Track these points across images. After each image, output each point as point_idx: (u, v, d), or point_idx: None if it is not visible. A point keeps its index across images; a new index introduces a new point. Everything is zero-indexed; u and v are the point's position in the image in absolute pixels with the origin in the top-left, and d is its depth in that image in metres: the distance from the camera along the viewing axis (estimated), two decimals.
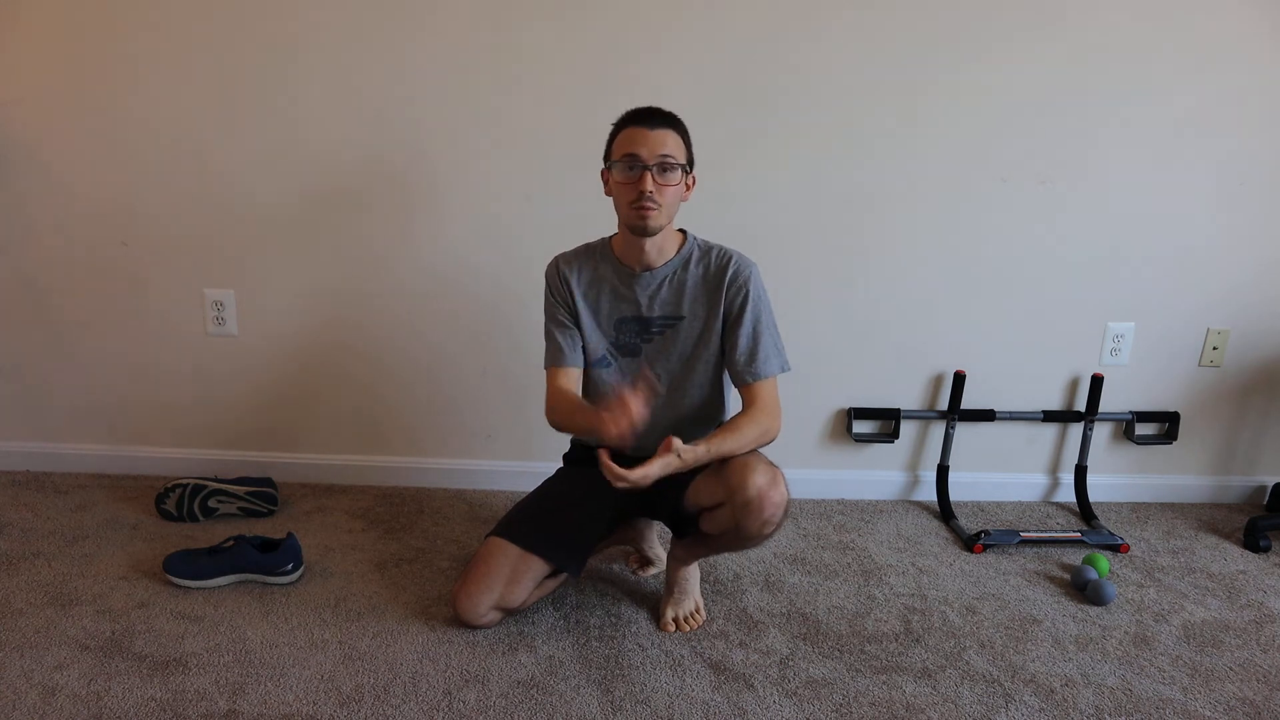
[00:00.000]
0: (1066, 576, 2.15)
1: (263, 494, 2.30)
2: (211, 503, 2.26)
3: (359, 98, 2.21)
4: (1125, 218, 2.35)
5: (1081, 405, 2.51)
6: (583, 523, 1.88)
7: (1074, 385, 2.50)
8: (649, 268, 1.82)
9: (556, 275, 1.87)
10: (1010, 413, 2.48)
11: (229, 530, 2.20)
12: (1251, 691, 1.75)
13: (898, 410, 2.47)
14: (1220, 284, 2.42)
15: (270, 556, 1.97)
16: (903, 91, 2.24)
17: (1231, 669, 1.82)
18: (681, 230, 1.87)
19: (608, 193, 1.81)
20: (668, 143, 1.71)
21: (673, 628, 1.88)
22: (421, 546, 2.18)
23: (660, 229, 1.76)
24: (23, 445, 2.48)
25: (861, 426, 2.50)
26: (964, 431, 2.50)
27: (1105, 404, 2.49)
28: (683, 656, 1.80)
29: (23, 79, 2.21)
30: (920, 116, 2.26)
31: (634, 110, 1.76)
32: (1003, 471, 2.56)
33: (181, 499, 2.24)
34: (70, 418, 2.46)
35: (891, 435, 2.47)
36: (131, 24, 2.16)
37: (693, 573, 1.93)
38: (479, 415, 2.46)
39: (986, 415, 2.46)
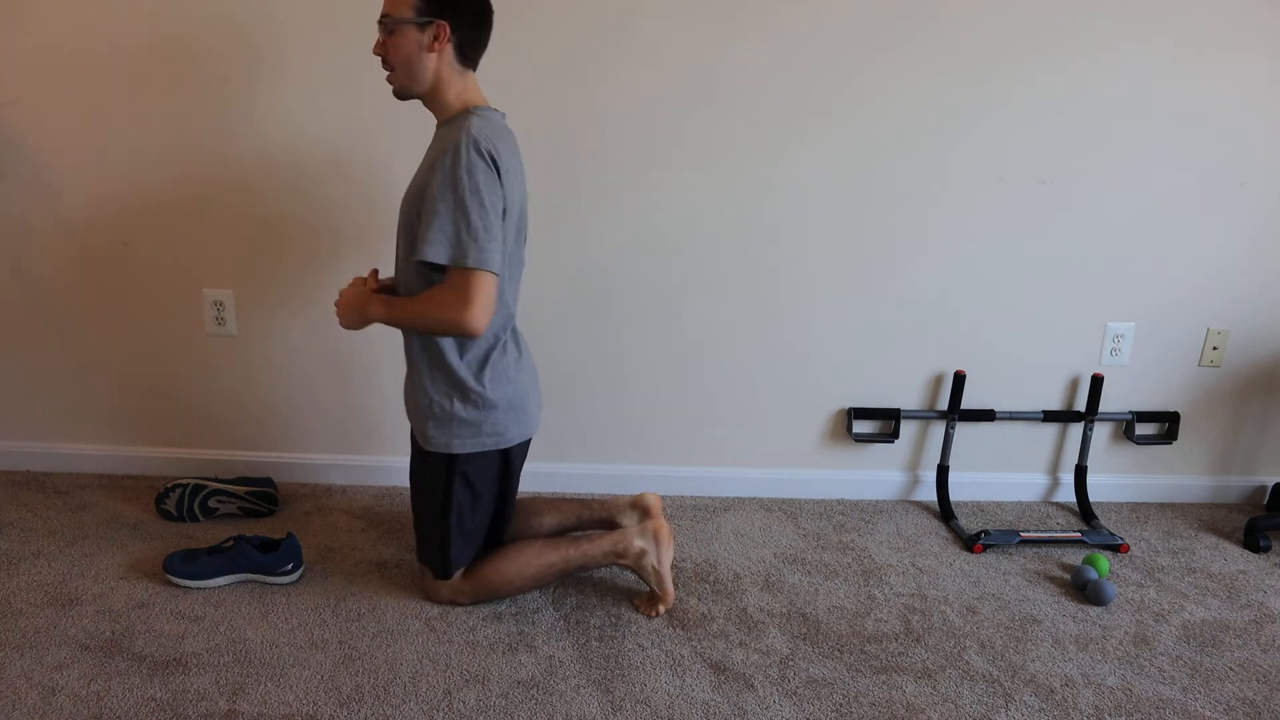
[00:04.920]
0: (1066, 576, 2.15)
1: (263, 494, 2.30)
2: (211, 503, 2.26)
3: (359, 97, 2.21)
4: (1125, 217, 2.35)
5: (1081, 405, 2.51)
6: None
7: (1074, 385, 2.50)
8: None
9: None
10: (1010, 413, 2.48)
11: (229, 530, 2.20)
12: (1251, 691, 1.75)
13: (898, 410, 2.47)
14: (1220, 284, 2.42)
15: (270, 556, 1.97)
16: (903, 92, 2.24)
17: (1231, 669, 1.82)
18: (472, 109, 1.71)
19: None
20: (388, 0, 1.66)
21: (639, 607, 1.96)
22: None
23: (407, 93, 1.72)
24: (23, 445, 2.48)
25: (861, 426, 2.50)
26: (964, 431, 2.51)
27: (1105, 404, 2.49)
28: (683, 656, 1.80)
29: (23, 79, 2.21)
30: (920, 117, 2.25)
31: None
32: (1003, 471, 2.56)
33: (181, 499, 2.24)
34: (70, 418, 2.46)
35: (891, 435, 2.47)
36: (131, 24, 2.16)
37: (645, 563, 1.93)
38: None
39: (986, 415, 2.46)
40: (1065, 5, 2.18)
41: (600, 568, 2.00)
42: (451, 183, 1.60)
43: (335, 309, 1.81)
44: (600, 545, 1.93)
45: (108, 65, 2.19)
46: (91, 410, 2.46)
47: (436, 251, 1.61)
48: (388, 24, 1.67)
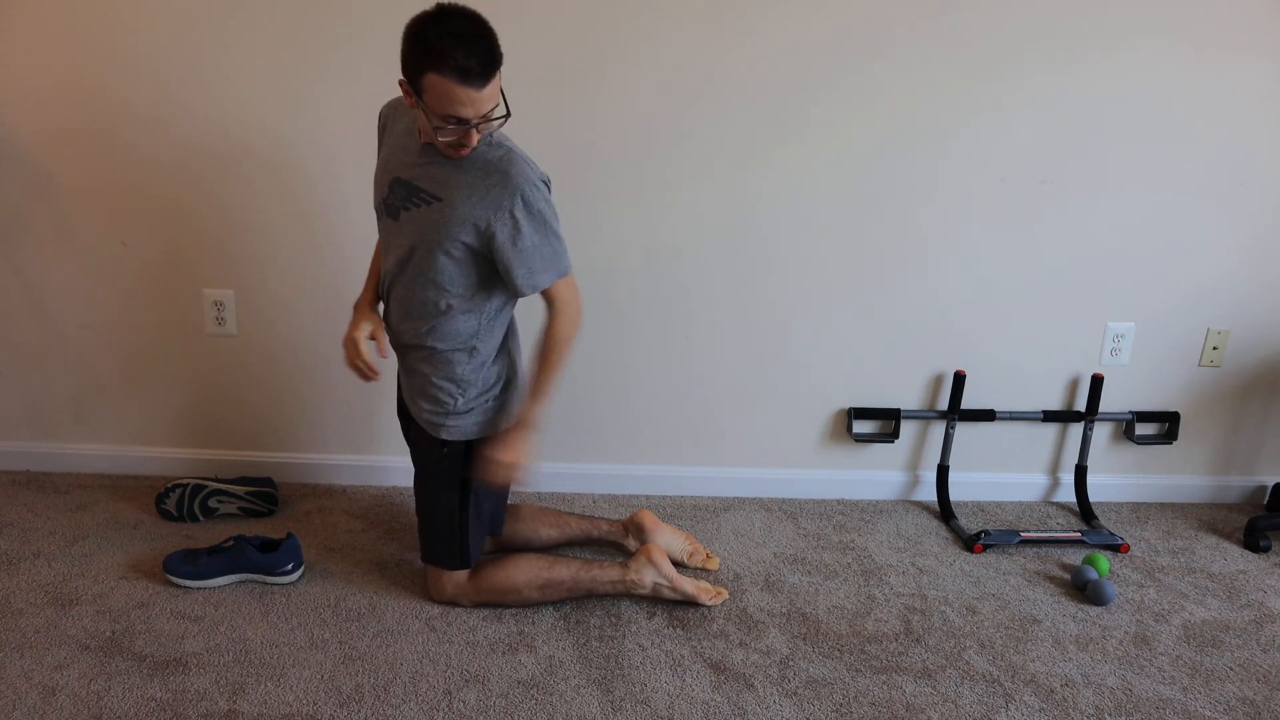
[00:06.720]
0: (1066, 576, 2.15)
1: (263, 494, 2.30)
2: (211, 503, 2.26)
3: (359, 98, 2.21)
4: (1125, 218, 2.35)
5: (1081, 405, 2.51)
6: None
7: (1074, 385, 2.50)
8: (433, 141, 1.68)
9: (380, 115, 1.87)
10: (1010, 413, 2.48)
11: (229, 530, 2.20)
12: (1251, 691, 1.75)
13: (898, 410, 2.47)
14: (1220, 284, 2.42)
15: (270, 556, 1.97)
16: (903, 92, 2.24)
17: (1231, 669, 1.82)
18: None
19: (407, 98, 1.62)
20: (490, 99, 1.58)
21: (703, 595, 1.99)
22: None
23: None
24: (23, 445, 2.48)
25: (861, 426, 2.50)
26: (964, 431, 2.51)
27: (1105, 404, 2.49)
28: (683, 656, 1.80)
29: (22, 79, 2.21)
30: (920, 116, 2.25)
31: (455, 58, 1.51)
32: (1003, 471, 2.56)
33: (181, 499, 2.24)
34: (70, 418, 2.46)
35: (891, 435, 2.47)
36: (130, 23, 2.16)
37: (662, 592, 1.96)
38: None
39: (986, 415, 2.46)
40: (1065, 5, 2.19)
41: (608, 596, 2.01)
42: (540, 220, 1.71)
43: (504, 467, 1.79)
44: (609, 573, 1.95)
45: (107, 65, 2.19)
46: (91, 410, 2.46)
47: (546, 279, 1.74)
48: (492, 118, 1.60)
